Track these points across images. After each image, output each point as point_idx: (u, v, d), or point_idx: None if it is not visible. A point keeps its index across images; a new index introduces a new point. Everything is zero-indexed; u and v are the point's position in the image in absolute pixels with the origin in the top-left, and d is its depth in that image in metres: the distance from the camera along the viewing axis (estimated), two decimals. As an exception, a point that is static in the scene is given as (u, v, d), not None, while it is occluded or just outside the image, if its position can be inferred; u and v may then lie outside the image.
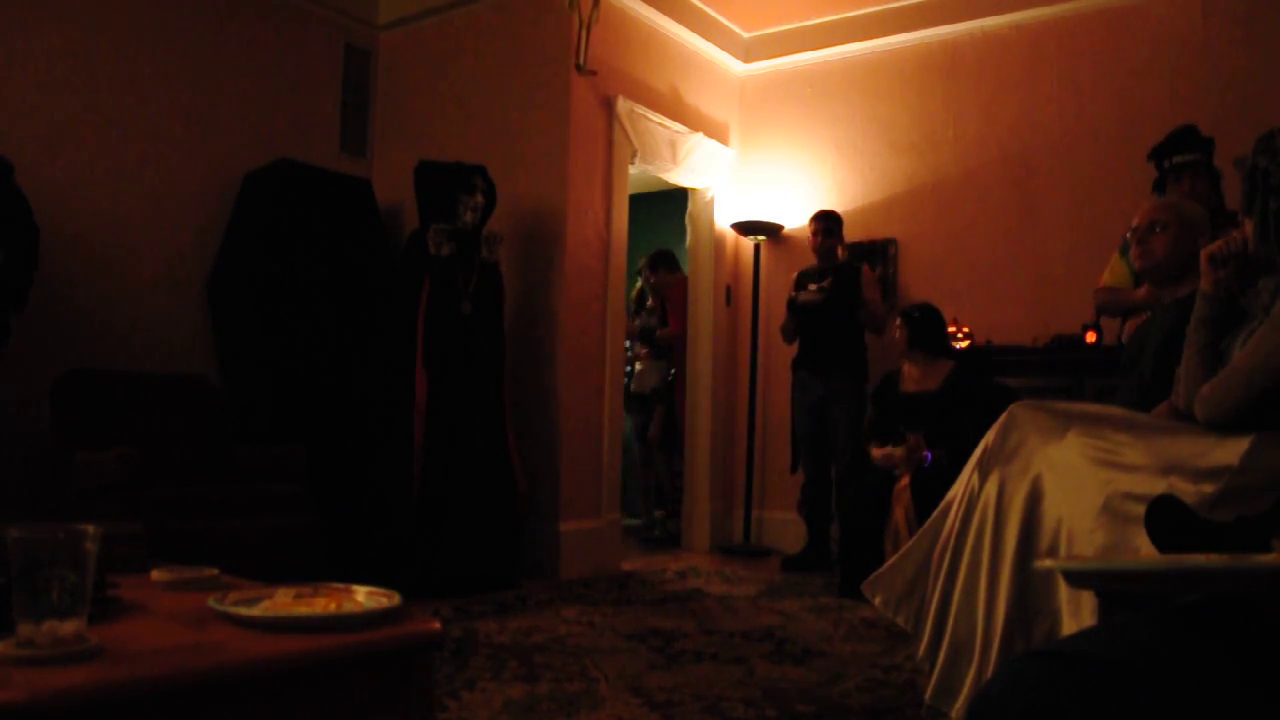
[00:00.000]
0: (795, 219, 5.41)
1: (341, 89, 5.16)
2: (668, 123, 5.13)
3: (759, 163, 5.70)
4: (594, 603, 3.76)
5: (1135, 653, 1.00)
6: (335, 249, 4.52)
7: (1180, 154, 3.35)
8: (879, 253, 5.23)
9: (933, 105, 5.18)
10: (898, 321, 4.26)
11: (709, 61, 5.56)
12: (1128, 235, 2.60)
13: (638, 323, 6.03)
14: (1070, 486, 1.97)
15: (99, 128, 4.15)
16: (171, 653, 1.19)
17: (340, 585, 1.46)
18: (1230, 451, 1.79)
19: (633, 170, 5.00)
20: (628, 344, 5.60)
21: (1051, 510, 2.00)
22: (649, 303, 6.11)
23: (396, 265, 4.42)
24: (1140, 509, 1.70)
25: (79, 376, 3.66)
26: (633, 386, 5.95)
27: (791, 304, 4.89)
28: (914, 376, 4.24)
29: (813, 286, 4.79)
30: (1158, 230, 2.43)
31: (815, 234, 4.93)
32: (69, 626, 1.10)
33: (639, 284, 6.23)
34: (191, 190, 4.46)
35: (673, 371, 5.91)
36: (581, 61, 4.55)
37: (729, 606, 3.76)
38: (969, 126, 5.06)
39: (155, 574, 1.64)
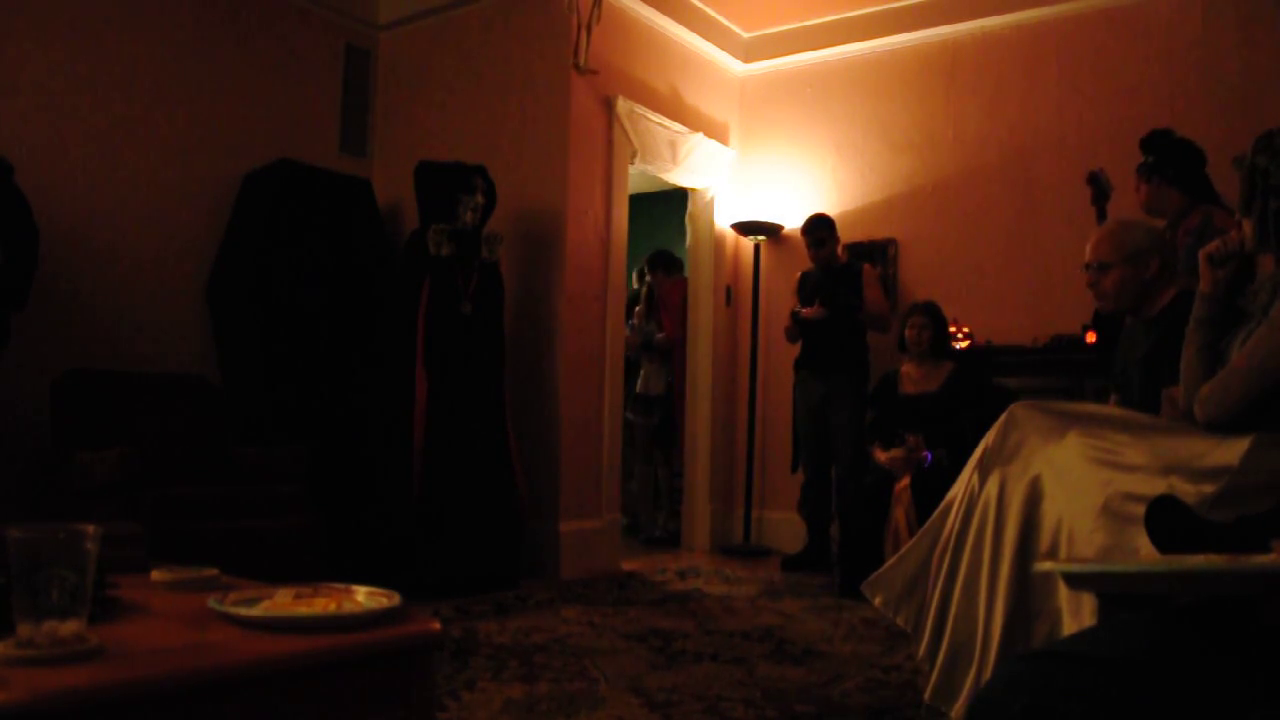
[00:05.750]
0: (795, 219, 5.40)
1: (341, 89, 5.16)
2: (668, 123, 5.13)
3: (759, 163, 5.70)
4: (594, 603, 3.76)
5: (1135, 653, 1.00)
6: (335, 249, 4.52)
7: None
8: (879, 253, 5.23)
9: (933, 105, 5.18)
10: (921, 320, 4.24)
11: (709, 61, 5.56)
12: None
13: (634, 325, 5.99)
14: (1070, 487, 1.97)
15: (99, 128, 4.15)
16: (171, 653, 1.19)
17: (340, 585, 1.45)
18: (1230, 452, 1.79)
19: (633, 170, 5.00)
20: (629, 355, 5.55)
21: (1051, 510, 2.00)
22: (638, 307, 6.08)
23: (396, 265, 4.42)
24: (1140, 509, 1.70)
25: (79, 376, 3.66)
26: (638, 388, 5.94)
27: (795, 316, 4.89)
28: (914, 377, 4.24)
29: (810, 310, 4.77)
30: (1102, 271, 2.45)
31: (807, 247, 4.93)
32: (69, 626, 1.10)
33: (636, 287, 6.19)
34: (191, 190, 4.46)
35: (670, 377, 5.90)
36: (582, 61, 4.55)
37: (729, 606, 3.76)
38: (969, 126, 5.06)
39: (155, 574, 1.64)
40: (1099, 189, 3.84)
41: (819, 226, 4.92)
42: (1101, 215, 3.84)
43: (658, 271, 6.02)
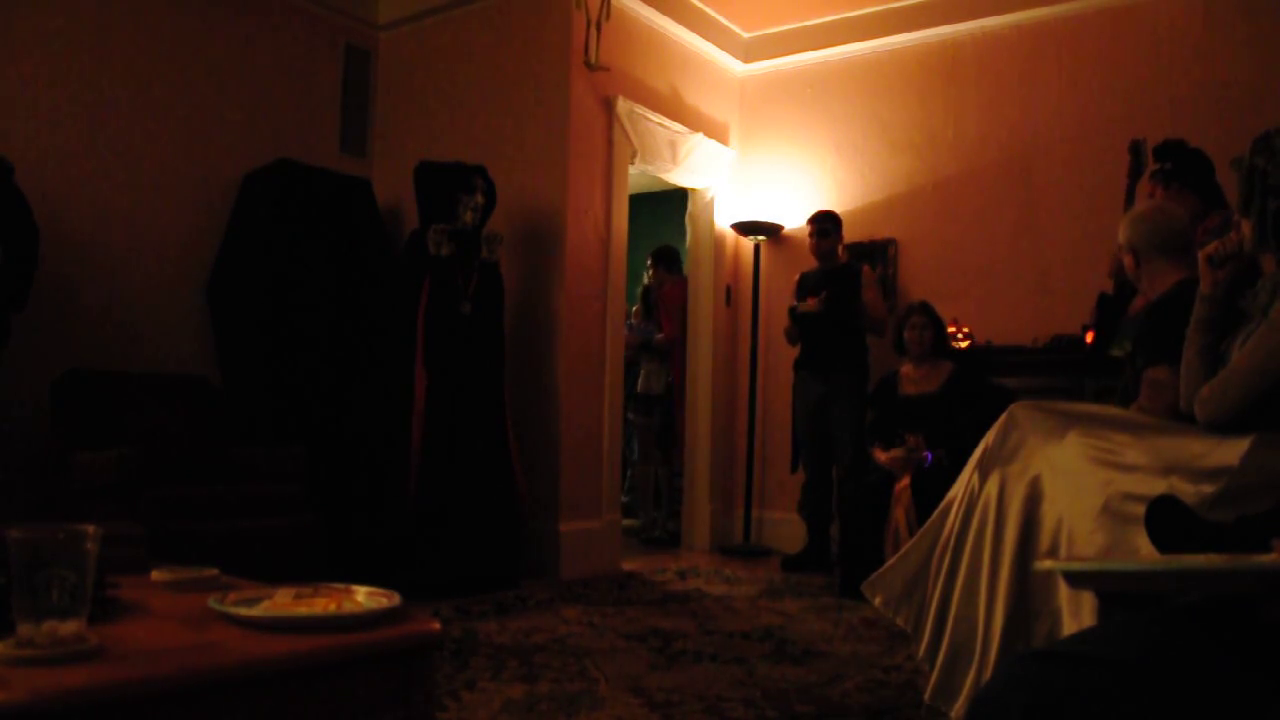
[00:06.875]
0: (795, 219, 5.41)
1: (341, 89, 5.16)
2: (668, 123, 5.13)
3: (759, 163, 5.70)
4: (594, 603, 3.76)
5: (1135, 653, 1.00)
6: (335, 249, 4.52)
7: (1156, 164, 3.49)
8: (879, 253, 5.23)
9: (933, 105, 5.18)
10: (921, 321, 4.24)
11: (709, 61, 5.56)
12: None
13: (633, 324, 5.97)
14: (1070, 487, 1.97)
15: (99, 128, 4.15)
16: (171, 653, 1.19)
17: (340, 585, 1.45)
18: (1230, 452, 1.79)
19: (633, 170, 5.00)
20: (628, 355, 5.54)
21: (1051, 510, 2.00)
22: (635, 307, 6.07)
23: (396, 265, 4.42)
24: (1140, 509, 1.70)
25: (79, 376, 3.66)
26: (638, 388, 5.94)
27: (792, 313, 4.90)
28: (914, 378, 4.24)
29: (811, 300, 4.79)
30: (1123, 252, 2.54)
31: (811, 235, 4.95)
32: (69, 626, 1.10)
33: (646, 280, 6.18)
34: (191, 190, 4.46)
35: (669, 377, 5.90)
36: (592, 59, 4.55)
37: (729, 606, 3.76)
38: (969, 126, 5.06)
39: (155, 574, 1.64)
40: (1137, 160, 3.85)
41: (825, 219, 4.94)
42: (1131, 188, 3.87)
43: (660, 267, 6.01)
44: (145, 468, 3.31)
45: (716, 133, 5.55)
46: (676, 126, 5.19)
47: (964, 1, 5.05)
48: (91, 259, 4.09)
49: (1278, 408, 1.77)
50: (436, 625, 1.41)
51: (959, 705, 2.09)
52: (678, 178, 5.41)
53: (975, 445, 2.24)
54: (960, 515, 2.18)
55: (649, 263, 6.10)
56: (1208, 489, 1.76)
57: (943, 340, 4.32)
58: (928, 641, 2.21)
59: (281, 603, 1.36)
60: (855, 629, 3.37)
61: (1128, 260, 2.49)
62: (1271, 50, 4.31)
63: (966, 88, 5.08)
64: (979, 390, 4.09)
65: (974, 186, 5.02)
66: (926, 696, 2.19)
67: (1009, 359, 4.53)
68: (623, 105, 4.81)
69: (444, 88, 5.05)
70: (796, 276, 5.06)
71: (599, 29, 4.57)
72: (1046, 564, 1.56)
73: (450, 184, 4.15)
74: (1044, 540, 1.99)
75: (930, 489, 3.41)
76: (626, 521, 5.49)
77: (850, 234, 5.13)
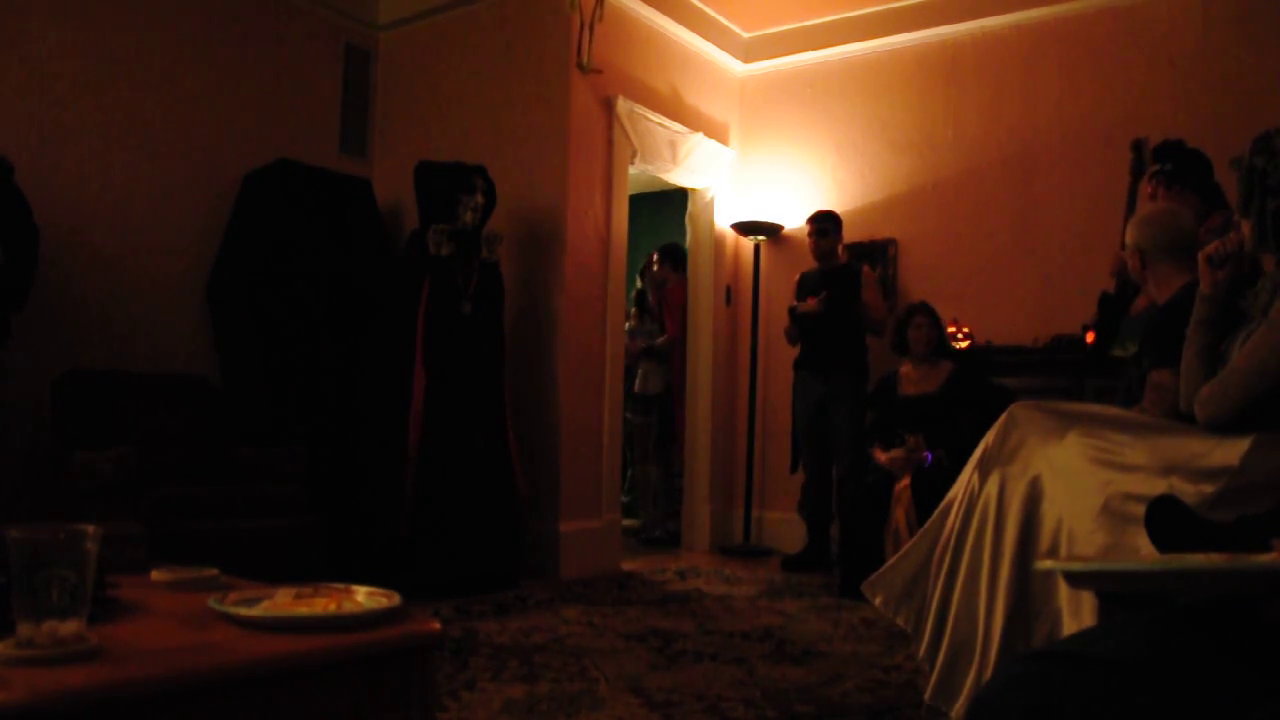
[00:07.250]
0: (795, 219, 5.41)
1: (341, 89, 5.16)
2: (668, 123, 5.13)
3: (759, 163, 5.70)
4: (594, 603, 3.76)
5: (1135, 653, 1.00)
6: (335, 249, 4.52)
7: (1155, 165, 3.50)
8: (879, 253, 5.23)
9: (933, 105, 5.18)
10: (925, 320, 4.24)
11: (709, 61, 5.56)
12: None
13: (631, 327, 5.93)
14: (1070, 487, 1.97)
15: (99, 128, 4.15)
16: (171, 653, 1.19)
17: (340, 585, 1.45)
18: (1230, 452, 1.79)
19: (633, 170, 5.00)
20: (628, 363, 5.53)
21: (1051, 510, 2.00)
22: (632, 310, 6.05)
23: (396, 265, 4.42)
24: (1140, 509, 1.70)
25: (79, 376, 3.66)
26: (636, 388, 5.93)
27: (792, 313, 4.91)
28: (913, 378, 4.24)
29: (811, 300, 4.80)
30: (1131, 253, 2.55)
31: (811, 235, 4.95)
32: (69, 626, 1.10)
33: (639, 284, 6.19)
34: (191, 190, 4.46)
35: (668, 377, 5.90)
36: (585, 61, 4.56)
37: (729, 606, 3.76)
38: (969, 126, 5.06)
39: (155, 574, 1.64)
40: (1139, 159, 3.87)
41: (825, 218, 4.95)
42: (1133, 187, 3.88)
43: (667, 264, 6.00)
44: (145, 468, 3.31)
45: (716, 133, 5.55)
46: (676, 126, 5.19)
47: (964, 1, 5.05)
48: (91, 259, 4.09)
49: (1278, 408, 1.77)
50: (436, 625, 1.41)
51: (959, 705, 2.09)
52: (678, 178, 5.41)
53: (975, 445, 2.24)
54: (960, 515, 2.18)
55: (655, 259, 6.09)
56: (1208, 489, 1.76)
57: (943, 340, 4.33)
58: (928, 641, 2.21)
59: (281, 603, 1.36)
60: (855, 629, 3.37)
61: (1134, 262, 2.50)
62: (1271, 50, 4.31)
63: (966, 88, 5.08)
64: (979, 390, 4.09)
65: (974, 186, 5.02)
66: (926, 696, 2.19)
67: (1009, 359, 4.53)
68: (623, 105, 4.81)
69: (444, 88, 5.05)
70: (796, 276, 5.06)
71: (592, 31, 4.56)
72: (1046, 564, 1.56)
73: (450, 184, 4.15)
74: (1044, 540, 1.99)
75: (930, 489, 3.41)
76: (626, 521, 5.50)
77: (850, 234, 5.13)
